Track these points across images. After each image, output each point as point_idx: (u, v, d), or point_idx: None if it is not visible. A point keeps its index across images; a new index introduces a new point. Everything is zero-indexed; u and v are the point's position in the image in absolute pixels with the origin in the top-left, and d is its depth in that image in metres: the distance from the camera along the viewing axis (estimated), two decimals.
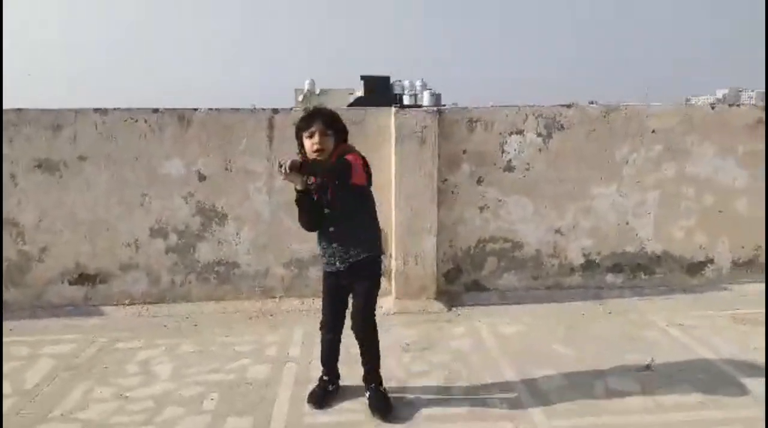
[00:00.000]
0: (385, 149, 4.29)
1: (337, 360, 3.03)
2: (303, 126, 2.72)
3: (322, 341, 3.00)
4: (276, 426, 2.77)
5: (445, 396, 3.03)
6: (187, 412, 2.90)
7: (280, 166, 2.55)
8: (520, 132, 4.44)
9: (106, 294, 4.35)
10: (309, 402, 2.95)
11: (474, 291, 4.54)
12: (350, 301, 2.93)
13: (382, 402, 2.87)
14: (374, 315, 2.89)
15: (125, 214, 4.31)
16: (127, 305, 4.35)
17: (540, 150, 4.46)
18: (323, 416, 2.86)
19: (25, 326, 4.03)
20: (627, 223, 4.58)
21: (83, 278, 4.33)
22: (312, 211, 2.76)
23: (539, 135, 4.45)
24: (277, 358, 3.49)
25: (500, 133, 4.43)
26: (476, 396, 3.02)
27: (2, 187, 4.21)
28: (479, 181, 4.46)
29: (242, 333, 3.90)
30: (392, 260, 4.38)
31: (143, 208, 4.31)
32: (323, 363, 3.03)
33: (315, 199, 2.75)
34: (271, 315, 4.24)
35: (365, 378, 2.96)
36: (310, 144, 2.67)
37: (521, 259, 4.56)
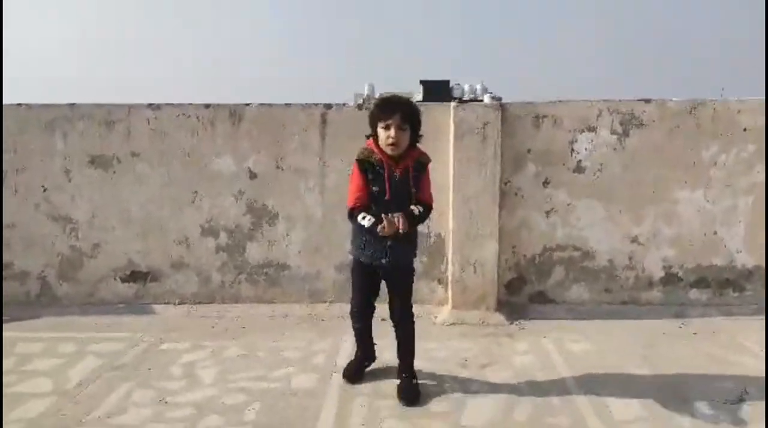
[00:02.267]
0: (443, 147, 4.01)
1: (372, 342, 3.12)
2: (380, 115, 2.65)
3: (355, 329, 3.09)
4: None
5: (507, 419, 2.72)
6: (226, 422, 2.72)
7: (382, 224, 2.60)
8: (592, 129, 4.05)
9: (157, 292, 4.28)
10: (343, 377, 3.07)
11: (538, 304, 4.18)
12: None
13: (411, 391, 2.88)
14: (412, 309, 2.96)
15: (176, 211, 4.22)
16: (177, 304, 4.26)
17: (615, 149, 4.06)
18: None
19: (75, 322, 4.00)
20: (714, 233, 4.10)
21: (135, 275, 4.28)
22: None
23: (614, 132, 4.05)
24: (325, 368, 3.27)
25: (570, 131, 4.06)
26: (542, 422, 2.69)
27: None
28: (546, 183, 4.11)
29: (290, 338, 3.72)
30: (448, 267, 4.09)
31: (194, 206, 4.21)
32: (358, 346, 3.13)
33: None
34: (321, 321, 4.04)
35: (399, 368, 2.99)
36: (385, 136, 2.63)
37: (592, 270, 4.16)
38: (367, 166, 2.69)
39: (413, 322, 2.95)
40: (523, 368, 3.25)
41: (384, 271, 2.86)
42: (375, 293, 2.99)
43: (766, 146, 4.02)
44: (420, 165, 2.76)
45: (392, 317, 2.94)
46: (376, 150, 2.68)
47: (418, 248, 3.01)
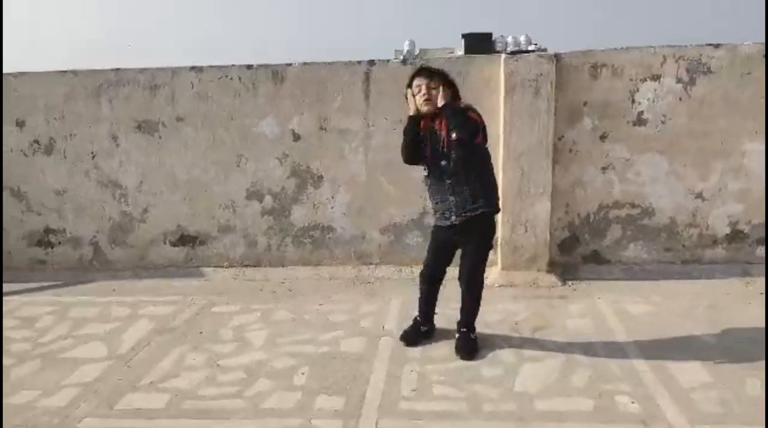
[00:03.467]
0: (493, 101, 3.81)
1: (434, 309, 3.08)
2: (412, 79, 2.80)
3: (421, 290, 3.06)
4: (369, 409, 2.51)
5: (563, 386, 2.61)
6: (277, 386, 2.72)
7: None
8: (656, 77, 3.76)
9: (206, 255, 4.32)
10: (401, 339, 3.05)
11: (593, 264, 4.00)
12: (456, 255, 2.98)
13: (468, 345, 2.90)
14: (483, 274, 2.94)
15: (222, 175, 4.20)
16: (226, 267, 4.29)
17: (680, 98, 3.77)
18: (418, 399, 2.56)
19: (127, 286, 4.09)
20: None
21: (183, 239, 4.32)
22: (415, 141, 2.83)
23: (679, 81, 3.76)
24: (373, 331, 3.23)
25: (631, 80, 3.78)
26: (600, 389, 2.58)
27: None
28: (603, 137, 3.87)
29: (337, 301, 3.69)
30: (498, 226, 3.95)
31: (239, 169, 4.18)
32: (420, 310, 3.09)
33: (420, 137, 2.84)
34: (368, 283, 4.00)
35: (459, 324, 2.98)
36: (419, 97, 2.76)
37: (652, 228, 3.94)
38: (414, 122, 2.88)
39: (482, 286, 2.94)
40: (578, 331, 3.13)
41: (458, 232, 2.84)
42: (449, 259, 2.98)
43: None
44: (460, 110, 2.76)
45: (460, 277, 2.92)
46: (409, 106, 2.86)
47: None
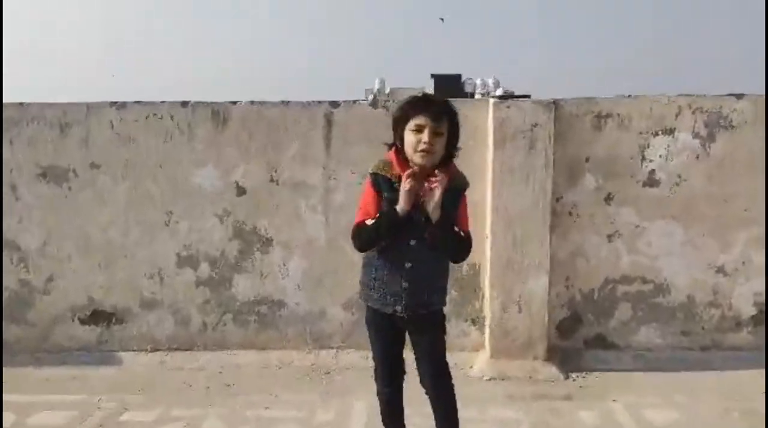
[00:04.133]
0: (479, 155, 3.19)
1: (401, 420, 2.30)
2: (410, 112, 2.01)
3: (378, 395, 2.29)
4: None
5: None
6: None
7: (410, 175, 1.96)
8: (669, 131, 3.21)
9: (124, 337, 3.47)
10: None
11: (599, 350, 3.35)
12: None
13: None
14: (448, 367, 2.23)
15: (147, 236, 3.41)
16: (149, 352, 3.46)
17: (697, 156, 3.22)
18: None
19: (24, 377, 3.20)
20: None
21: (97, 316, 3.47)
22: (393, 234, 2.03)
23: (696, 136, 3.21)
24: None
25: (640, 133, 3.22)
26: None
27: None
28: (608, 199, 3.27)
29: (287, 402, 2.91)
30: (485, 305, 3.28)
31: (168, 230, 3.40)
32: (384, 424, 2.31)
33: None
34: (326, 374, 3.23)
35: None
36: (416, 140, 1.97)
37: (666, 308, 3.32)
38: (382, 181, 2.04)
39: (451, 387, 2.23)
40: None
41: (403, 324, 2.15)
42: (401, 349, 2.24)
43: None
44: (454, 189, 2.03)
45: (422, 382, 2.21)
46: (396, 163, 2.03)
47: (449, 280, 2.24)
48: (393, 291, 2.08)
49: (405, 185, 1.93)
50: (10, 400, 2.92)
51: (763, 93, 3.24)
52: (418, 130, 1.96)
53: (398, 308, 2.08)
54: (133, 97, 3.46)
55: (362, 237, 2.07)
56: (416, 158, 1.97)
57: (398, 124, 2.03)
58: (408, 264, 2.05)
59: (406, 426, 2.31)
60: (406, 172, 1.94)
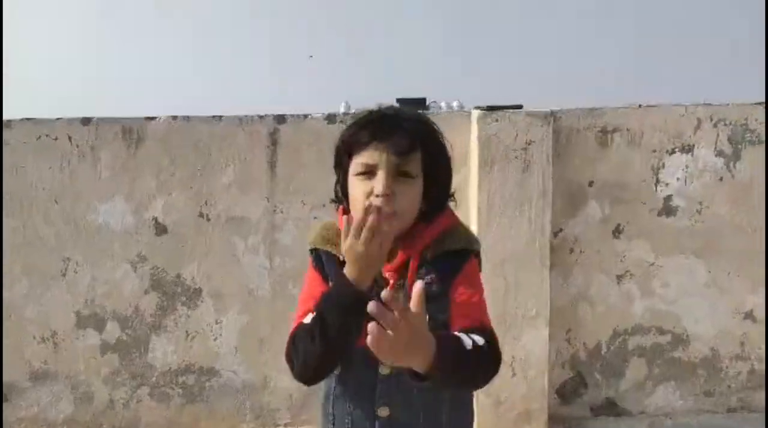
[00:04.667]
0: (461, 179, 2.58)
1: None
2: (352, 141, 1.18)
3: None
4: None
5: None
6: None
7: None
8: (688, 149, 2.67)
9: (11, 419, 2.70)
10: None
11: (608, 416, 2.76)
12: None
13: None
14: None
15: (38, 290, 2.66)
16: None
17: (721, 178, 2.69)
18: None
19: None
20: None
21: None
22: (351, 332, 1.06)
23: (719, 153, 2.68)
24: None
25: (654, 151, 2.67)
26: None
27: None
28: (617, 232, 2.70)
29: None
30: None
31: (65, 281, 2.66)
32: None
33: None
34: None
35: None
36: (366, 189, 1.13)
37: (687, 363, 2.76)
38: (326, 260, 1.22)
39: None
40: None
41: None
42: None
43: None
44: (449, 256, 1.18)
45: None
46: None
47: None
48: None
49: (358, 235, 1.06)
50: None
51: None
52: (367, 171, 1.14)
53: None
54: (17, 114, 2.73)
55: (299, 352, 1.12)
56: (370, 218, 1.08)
57: (338, 165, 1.23)
58: (382, 411, 1.19)
59: None
60: (363, 210, 1.11)
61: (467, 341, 1.03)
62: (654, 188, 2.69)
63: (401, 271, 1.17)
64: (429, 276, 1.13)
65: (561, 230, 2.69)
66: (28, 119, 2.70)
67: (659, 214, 2.70)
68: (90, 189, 2.66)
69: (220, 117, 2.75)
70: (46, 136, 2.65)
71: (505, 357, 2.54)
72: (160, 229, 2.69)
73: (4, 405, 2.71)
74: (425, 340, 0.92)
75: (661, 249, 2.71)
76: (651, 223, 2.70)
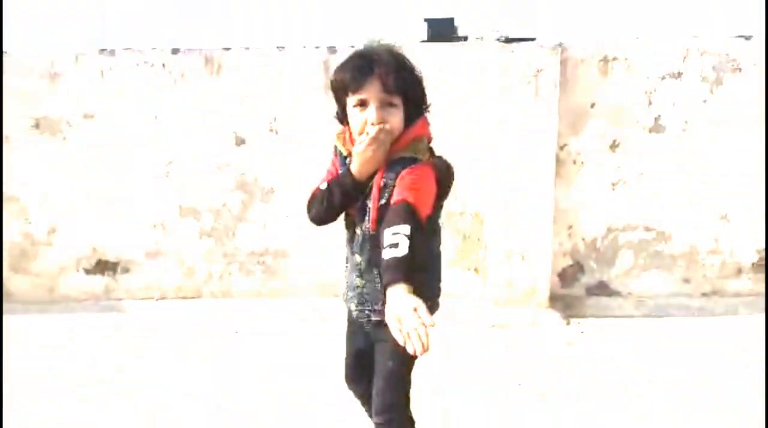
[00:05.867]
0: (480, 102, 3.13)
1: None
2: (347, 82, 1.52)
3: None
4: None
5: None
6: None
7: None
8: (677, 75, 3.13)
9: (131, 286, 3.51)
10: None
11: (600, 297, 3.39)
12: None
13: None
14: (394, 408, 1.68)
15: (148, 187, 3.39)
16: (157, 299, 3.51)
17: (704, 101, 3.16)
18: None
19: (31, 326, 3.25)
20: None
21: (102, 266, 3.50)
22: (342, 205, 1.58)
23: (703, 79, 3.14)
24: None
25: (648, 78, 3.15)
26: None
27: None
28: (614, 147, 3.23)
29: (295, 346, 2.97)
30: (487, 254, 3.29)
31: (169, 180, 3.38)
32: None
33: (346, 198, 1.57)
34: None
35: None
36: (361, 120, 1.50)
37: (669, 256, 3.34)
38: (339, 155, 1.63)
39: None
40: (598, 397, 2.48)
41: (365, 328, 1.69)
42: (368, 349, 1.72)
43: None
44: (401, 162, 1.52)
45: (372, 411, 1.74)
46: (348, 137, 1.58)
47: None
48: (352, 286, 1.64)
49: (365, 141, 1.48)
50: (19, 349, 2.98)
51: None
52: (362, 104, 1.49)
53: (352, 306, 1.66)
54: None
55: (313, 208, 1.61)
56: (362, 152, 1.49)
57: (337, 96, 1.57)
58: (358, 258, 1.59)
59: None
60: (371, 128, 1.48)
61: (391, 241, 1.38)
62: (647, 109, 3.18)
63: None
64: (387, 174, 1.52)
65: (565, 145, 3.23)
66: (127, 49, 3.33)
67: (650, 132, 3.21)
68: (183, 107, 3.32)
69: (283, 47, 3.32)
70: (145, 62, 3.29)
71: (516, 247, 3.21)
72: (240, 141, 3.35)
73: (125, 276, 3.52)
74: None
75: (651, 161, 3.24)
76: (642, 139, 3.22)
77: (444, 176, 1.55)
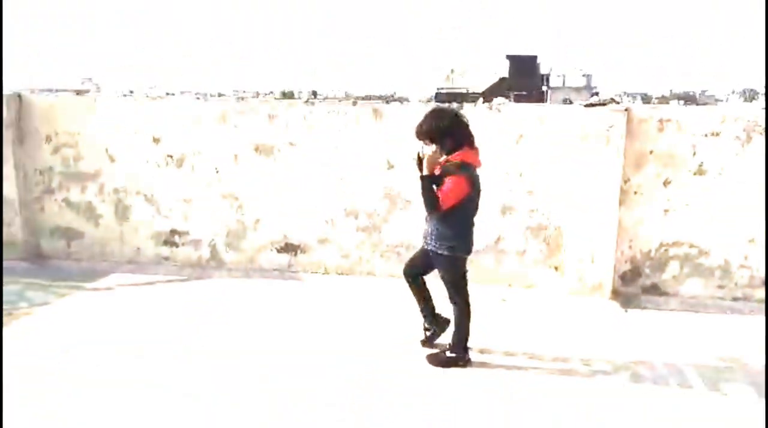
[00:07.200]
0: (568, 147, 4.37)
1: (428, 307, 3.62)
2: (416, 134, 3.32)
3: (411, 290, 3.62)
4: None
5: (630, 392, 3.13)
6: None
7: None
8: (716, 134, 4.25)
9: (305, 262, 4.99)
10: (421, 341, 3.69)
11: (652, 295, 4.47)
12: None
13: (442, 361, 3.42)
14: (465, 300, 3.37)
15: (325, 194, 4.87)
16: (322, 274, 4.95)
17: (737, 154, 4.24)
18: None
19: (237, 286, 4.78)
20: None
21: (288, 247, 5.00)
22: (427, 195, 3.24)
23: (737, 138, 4.23)
24: None
25: (693, 135, 4.28)
26: (658, 396, 3.08)
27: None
28: (666, 183, 4.36)
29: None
30: (566, 256, 4.47)
31: (339, 191, 4.84)
32: (420, 310, 3.65)
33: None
34: None
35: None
36: (421, 148, 3.31)
37: (708, 267, 4.39)
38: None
39: (464, 311, 3.38)
40: (642, 356, 3.60)
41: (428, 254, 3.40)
42: (423, 265, 3.51)
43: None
44: (443, 172, 3.22)
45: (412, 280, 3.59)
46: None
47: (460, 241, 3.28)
48: (425, 234, 3.40)
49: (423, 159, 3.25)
50: (226, 303, 4.48)
51: None
52: (421, 141, 3.31)
53: (424, 241, 3.41)
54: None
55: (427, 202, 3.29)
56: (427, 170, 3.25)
57: (417, 137, 3.33)
58: (426, 219, 3.38)
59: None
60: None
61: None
62: (692, 157, 4.30)
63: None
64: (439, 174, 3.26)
65: (629, 179, 4.39)
66: (325, 98, 4.87)
67: (694, 174, 4.31)
68: (354, 142, 4.79)
69: (429, 101, 4.73)
70: (334, 111, 4.80)
71: (587, 253, 4.38)
72: (390, 166, 4.76)
73: (303, 255, 4.99)
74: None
75: (694, 196, 4.33)
76: (688, 179, 4.32)
77: (473, 181, 3.20)
